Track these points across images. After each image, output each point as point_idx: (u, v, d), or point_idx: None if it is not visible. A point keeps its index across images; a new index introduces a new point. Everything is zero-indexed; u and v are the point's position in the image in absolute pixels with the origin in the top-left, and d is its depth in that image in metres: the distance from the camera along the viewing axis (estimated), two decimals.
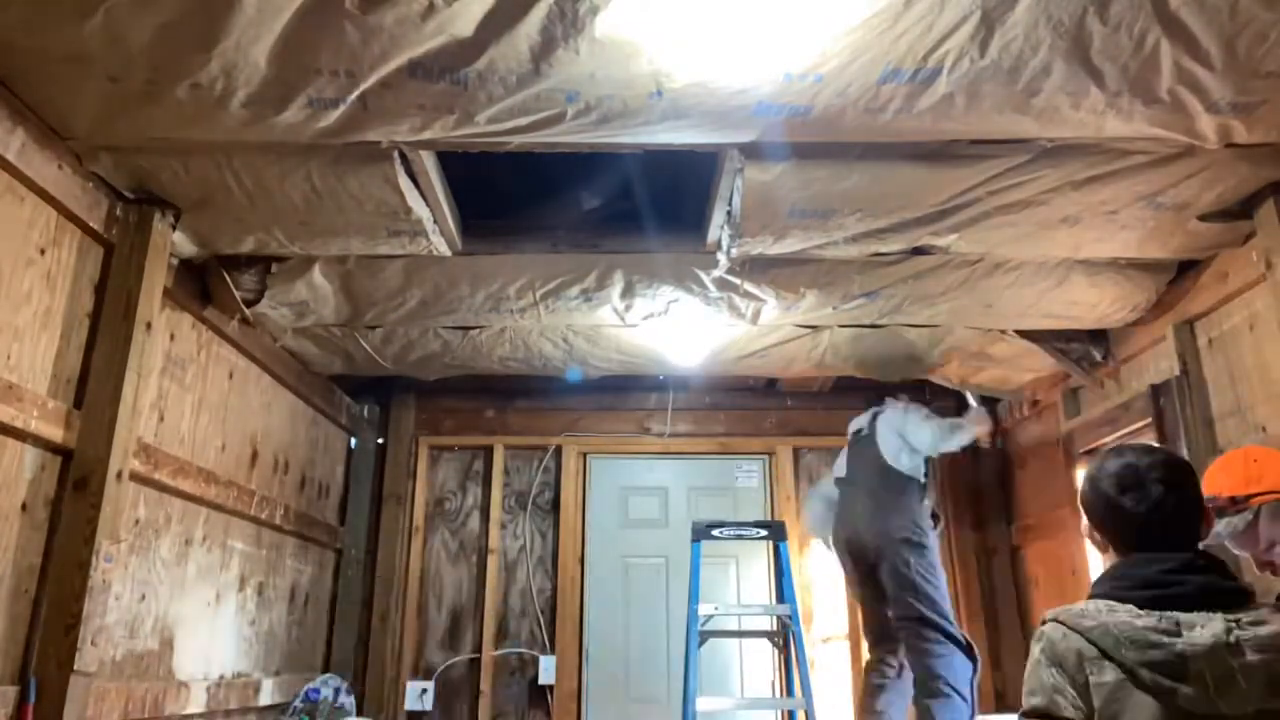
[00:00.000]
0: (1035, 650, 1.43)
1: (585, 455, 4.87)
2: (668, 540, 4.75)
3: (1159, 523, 1.47)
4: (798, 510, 4.75)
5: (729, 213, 2.72)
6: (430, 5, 1.80)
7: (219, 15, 1.82)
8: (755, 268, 3.13)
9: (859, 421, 4.02)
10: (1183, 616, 1.35)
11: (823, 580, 4.65)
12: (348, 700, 3.96)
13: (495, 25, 1.86)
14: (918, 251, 2.95)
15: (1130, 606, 1.38)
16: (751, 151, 2.42)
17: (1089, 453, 3.84)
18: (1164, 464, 1.51)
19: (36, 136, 2.24)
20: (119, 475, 2.47)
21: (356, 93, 2.06)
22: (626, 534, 4.75)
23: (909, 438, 3.78)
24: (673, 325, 3.52)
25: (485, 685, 4.43)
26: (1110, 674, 1.34)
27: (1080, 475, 3.81)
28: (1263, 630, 1.33)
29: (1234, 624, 1.33)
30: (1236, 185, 2.56)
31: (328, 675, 4.04)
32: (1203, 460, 2.97)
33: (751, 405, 4.95)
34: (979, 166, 2.47)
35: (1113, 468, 1.52)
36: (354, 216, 2.69)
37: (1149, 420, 3.25)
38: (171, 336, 3.00)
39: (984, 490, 4.70)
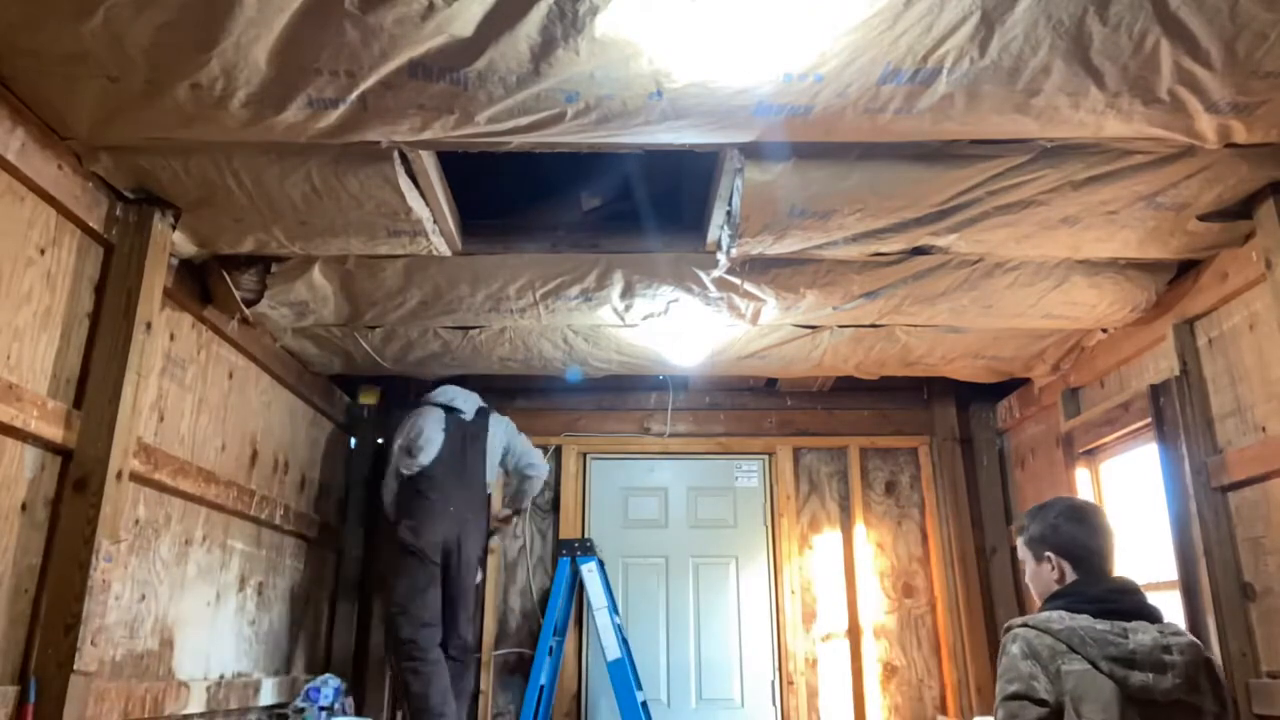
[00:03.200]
0: (1013, 648, 1.84)
1: (585, 455, 4.87)
2: (667, 540, 4.76)
3: (1105, 554, 1.99)
4: (798, 510, 4.75)
5: (729, 213, 2.72)
6: (430, 5, 1.80)
7: (219, 15, 1.82)
8: (755, 268, 3.13)
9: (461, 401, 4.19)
10: (1126, 624, 1.81)
11: (825, 578, 4.66)
12: (347, 701, 3.96)
13: (495, 25, 1.86)
14: (918, 252, 2.95)
15: (1086, 615, 1.82)
16: (751, 151, 2.42)
17: (1089, 453, 3.84)
18: (1102, 511, 2.07)
19: (36, 136, 2.24)
20: (119, 475, 2.47)
21: (356, 93, 2.05)
22: (626, 534, 4.76)
23: (521, 458, 4.30)
24: (672, 325, 3.52)
25: (485, 685, 4.43)
26: (1078, 664, 1.75)
27: (1081, 475, 3.84)
28: (1181, 639, 1.81)
29: (1160, 632, 1.81)
30: (1236, 185, 2.56)
31: (327, 675, 4.04)
32: (1203, 461, 2.99)
33: (751, 405, 4.95)
34: (979, 166, 2.47)
35: (1078, 514, 2.05)
36: (354, 216, 2.69)
37: (1148, 420, 3.24)
38: (171, 336, 3.00)
39: (983, 490, 4.70)
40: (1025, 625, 1.85)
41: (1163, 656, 1.75)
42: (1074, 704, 1.72)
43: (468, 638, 4.01)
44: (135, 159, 2.44)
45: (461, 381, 4.27)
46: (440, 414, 4.12)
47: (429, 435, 4.04)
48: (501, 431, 4.26)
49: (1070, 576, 1.99)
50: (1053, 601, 1.93)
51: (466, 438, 4.12)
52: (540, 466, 4.35)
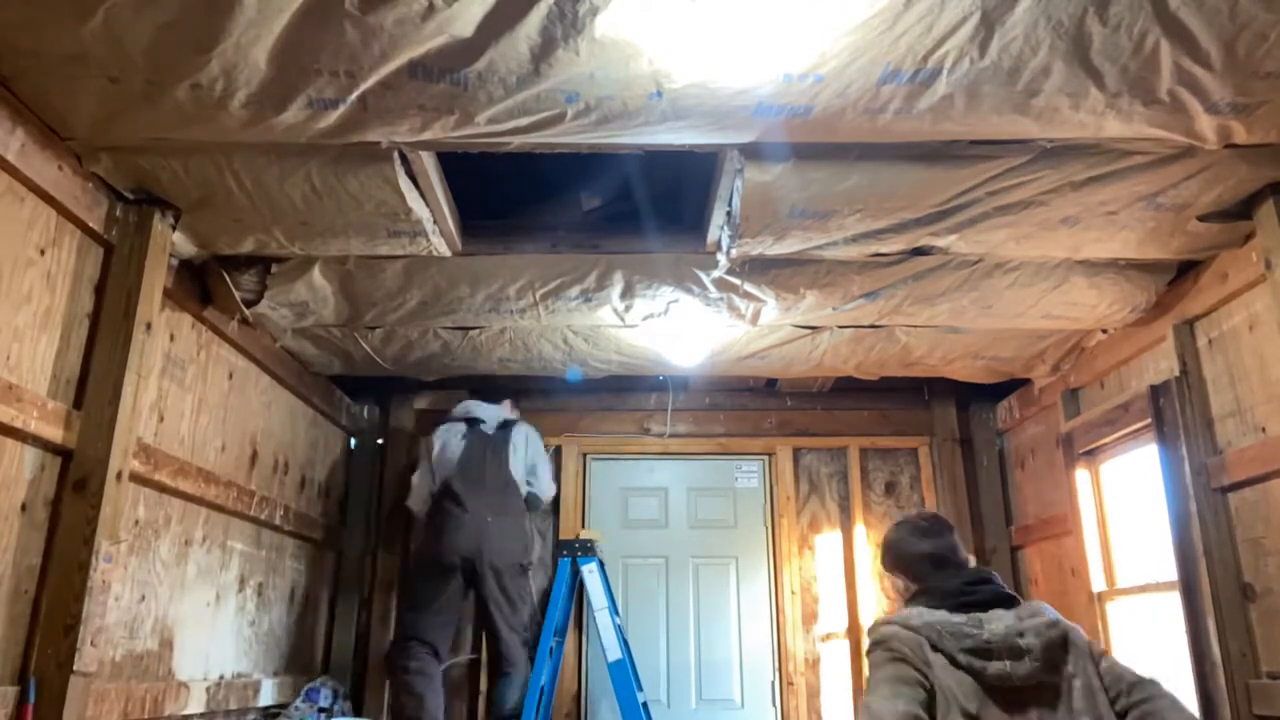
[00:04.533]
0: (885, 631, 1.86)
1: (585, 456, 4.86)
2: (667, 541, 4.76)
3: (948, 553, 2.05)
4: (798, 510, 4.75)
5: (729, 213, 2.72)
6: (430, 5, 1.80)
7: (219, 15, 1.82)
8: (755, 268, 3.13)
9: (482, 411, 4.29)
10: (981, 615, 1.85)
11: (825, 578, 4.65)
12: (344, 705, 3.97)
13: (495, 26, 1.86)
14: (918, 252, 2.95)
15: (944, 610, 1.87)
16: (751, 152, 2.42)
17: (1089, 453, 3.84)
18: (938, 516, 2.17)
19: (36, 137, 2.24)
20: (119, 476, 2.47)
21: (356, 93, 2.06)
22: (626, 534, 4.75)
23: (535, 481, 4.34)
24: (672, 326, 3.51)
25: (485, 685, 4.43)
26: (939, 660, 1.79)
27: (1081, 475, 3.84)
28: (1037, 620, 1.84)
29: (1017, 618, 1.84)
30: (1236, 185, 2.56)
31: (325, 678, 4.04)
32: (1203, 461, 2.99)
33: (751, 405, 4.94)
34: (979, 167, 2.47)
35: (910, 527, 2.13)
36: (354, 217, 2.69)
37: (1148, 421, 3.24)
38: (171, 337, 3.00)
39: (983, 490, 4.70)
40: (889, 623, 1.89)
41: (1017, 642, 1.79)
42: (942, 695, 1.77)
43: (508, 651, 3.95)
44: (135, 159, 2.44)
45: (488, 392, 4.43)
46: (461, 426, 4.24)
47: (449, 447, 4.16)
48: (523, 444, 4.32)
49: (914, 584, 2.05)
50: (913, 600, 1.99)
51: (487, 448, 4.19)
52: (543, 497, 4.40)
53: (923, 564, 2.05)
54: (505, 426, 4.31)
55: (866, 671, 1.89)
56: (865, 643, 1.95)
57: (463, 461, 4.10)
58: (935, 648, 1.80)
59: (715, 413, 4.94)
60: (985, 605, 1.89)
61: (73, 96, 2.12)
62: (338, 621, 4.43)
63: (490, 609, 3.93)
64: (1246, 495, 2.85)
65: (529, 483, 4.30)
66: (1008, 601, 1.91)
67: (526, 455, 4.30)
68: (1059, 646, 1.81)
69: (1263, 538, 2.78)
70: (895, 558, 2.12)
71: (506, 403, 4.50)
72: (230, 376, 3.42)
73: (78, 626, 2.29)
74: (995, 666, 1.76)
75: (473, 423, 4.25)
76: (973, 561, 2.10)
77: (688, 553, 4.73)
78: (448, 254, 2.99)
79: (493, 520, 3.99)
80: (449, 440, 4.18)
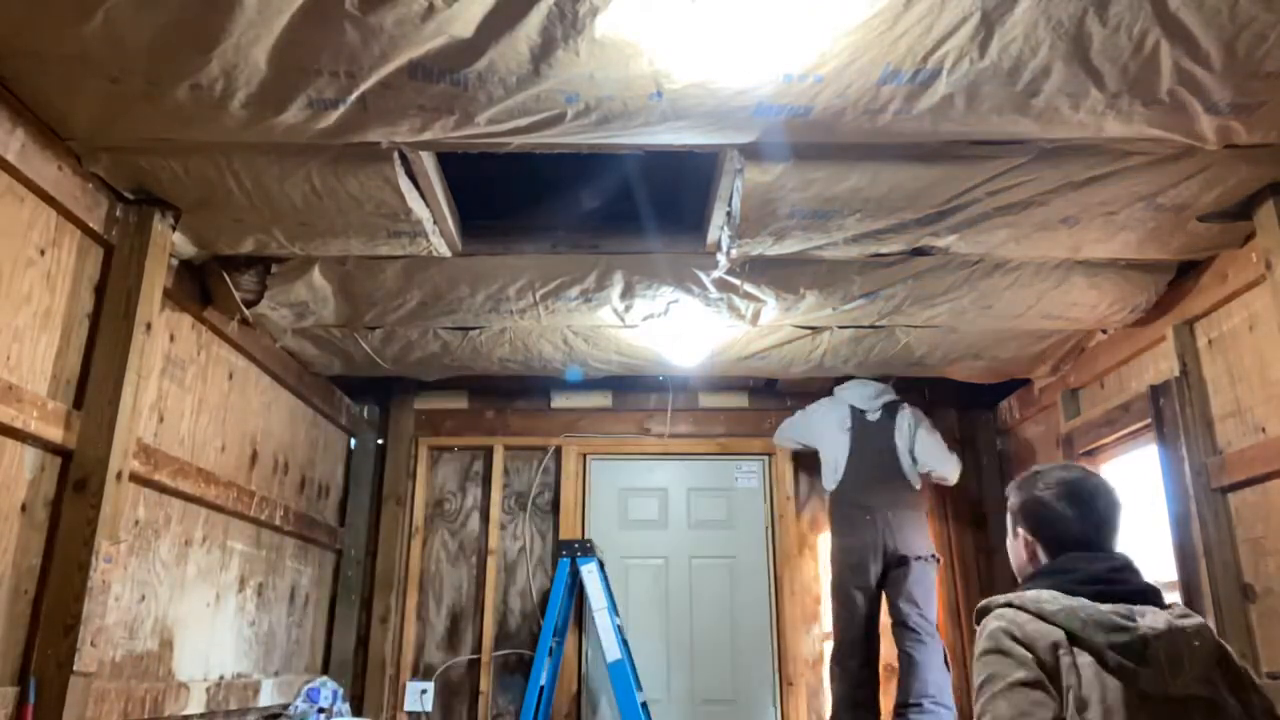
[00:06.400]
0: (996, 626, 1.52)
1: (585, 456, 4.86)
2: (667, 541, 4.76)
3: (1095, 529, 1.66)
4: (797, 511, 4.74)
5: (729, 213, 2.72)
6: (430, 6, 1.80)
7: (219, 15, 1.82)
8: (755, 268, 3.13)
9: (864, 401, 4.23)
10: (1131, 607, 1.51)
11: (825, 578, 4.65)
12: (344, 706, 3.96)
13: (495, 26, 1.86)
14: (917, 252, 2.95)
15: (1083, 598, 1.51)
16: (751, 152, 2.42)
17: (1089, 453, 3.83)
18: (1099, 481, 1.74)
19: (36, 137, 2.24)
20: (119, 476, 2.47)
21: (356, 93, 2.06)
22: (626, 535, 4.75)
23: (923, 463, 4.18)
24: (672, 326, 3.51)
25: (485, 685, 4.43)
26: (1081, 657, 1.45)
27: None
28: (1192, 622, 1.50)
29: (1178, 617, 1.50)
30: (1236, 186, 2.56)
31: (325, 678, 4.04)
32: (1203, 461, 2.98)
33: (751, 406, 4.94)
34: (979, 167, 2.47)
35: (1067, 486, 1.70)
36: (354, 217, 2.69)
37: (1148, 421, 3.24)
38: (171, 337, 3.00)
39: (984, 490, 4.70)
40: (1009, 605, 1.54)
41: (1180, 642, 1.46)
42: (1076, 705, 1.42)
43: (919, 626, 3.87)
44: (135, 159, 2.44)
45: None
46: (845, 410, 4.22)
47: (828, 437, 4.21)
48: (906, 427, 4.18)
49: (1043, 560, 1.68)
50: (1039, 580, 1.62)
51: (870, 436, 4.15)
52: (944, 471, 4.18)
53: (1065, 546, 1.66)
54: (890, 409, 4.21)
55: (977, 652, 1.54)
56: (981, 627, 1.58)
57: (852, 457, 4.11)
58: (1077, 641, 1.46)
59: (715, 413, 4.94)
60: (1132, 598, 1.54)
61: (73, 96, 2.12)
62: (338, 622, 4.43)
63: (900, 605, 3.92)
64: (1246, 495, 2.85)
65: (921, 464, 4.16)
66: (1157, 597, 1.56)
67: (908, 439, 4.15)
68: (1218, 658, 1.50)
69: (1263, 538, 2.78)
70: (1037, 521, 1.70)
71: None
72: (230, 377, 3.42)
73: (78, 627, 2.29)
74: (1148, 674, 1.43)
75: (855, 410, 4.20)
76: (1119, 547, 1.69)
77: (687, 553, 4.73)
78: (448, 254, 2.99)
79: (895, 517, 3.98)
80: (825, 431, 4.22)
